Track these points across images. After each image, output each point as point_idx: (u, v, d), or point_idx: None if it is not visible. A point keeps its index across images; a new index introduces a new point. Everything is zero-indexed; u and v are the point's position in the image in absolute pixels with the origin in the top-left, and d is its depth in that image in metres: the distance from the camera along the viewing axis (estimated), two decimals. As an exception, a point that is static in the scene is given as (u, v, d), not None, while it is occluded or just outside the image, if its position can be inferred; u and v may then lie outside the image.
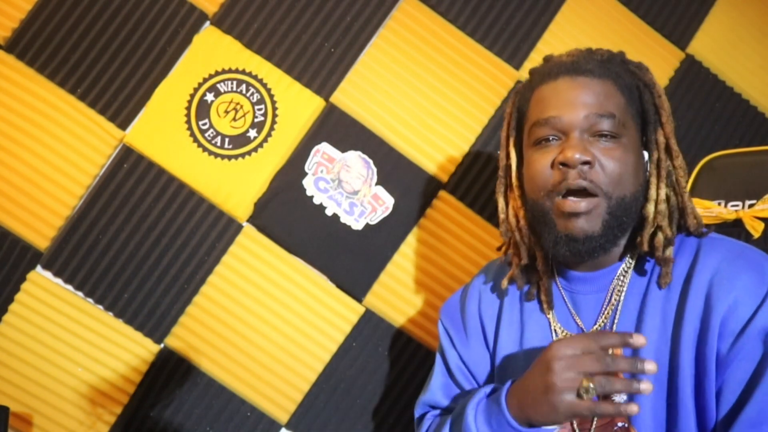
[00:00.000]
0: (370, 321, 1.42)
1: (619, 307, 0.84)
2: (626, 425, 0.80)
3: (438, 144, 1.45)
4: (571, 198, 0.80)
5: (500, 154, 0.96)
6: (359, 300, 1.42)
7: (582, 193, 0.80)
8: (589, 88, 0.81)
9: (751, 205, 1.23)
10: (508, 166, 0.94)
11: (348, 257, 1.41)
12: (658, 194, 0.82)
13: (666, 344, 0.79)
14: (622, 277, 0.85)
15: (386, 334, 1.42)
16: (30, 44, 1.36)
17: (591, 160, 0.78)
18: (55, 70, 1.36)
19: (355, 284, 1.41)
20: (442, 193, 1.44)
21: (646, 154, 0.86)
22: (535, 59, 1.47)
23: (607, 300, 0.86)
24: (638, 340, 0.69)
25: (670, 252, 0.81)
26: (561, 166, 0.80)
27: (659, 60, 1.50)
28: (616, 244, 0.84)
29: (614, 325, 0.83)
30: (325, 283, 1.41)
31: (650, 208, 0.82)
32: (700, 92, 1.52)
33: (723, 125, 1.52)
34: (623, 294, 0.84)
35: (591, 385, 0.68)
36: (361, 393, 1.41)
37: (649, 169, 0.84)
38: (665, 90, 1.49)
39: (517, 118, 0.92)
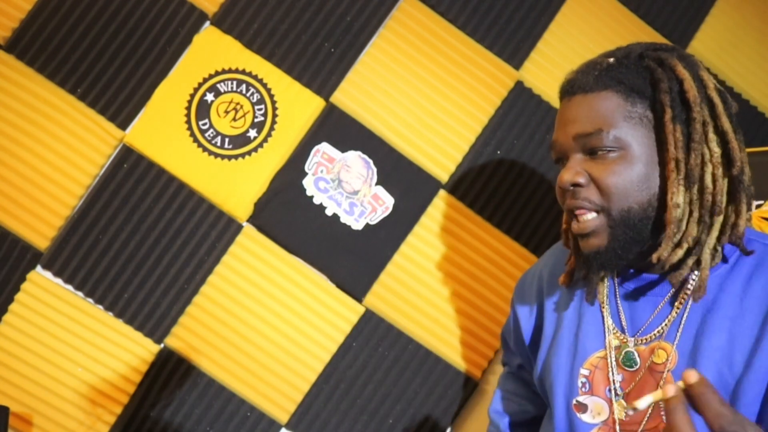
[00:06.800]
0: (370, 321, 1.42)
1: (684, 317, 0.80)
2: None
3: (438, 144, 1.45)
4: (576, 217, 0.82)
5: None
6: (359, 300, 1.42)
7: (584, 210, 0.80)
8: (578, 108, 0.80)
9: (758, 206, 1.23)
10: None
11: (348, 257, 1.41)
12: (672, 200, 0.76)
13: (730, 366, 0.75)
14: (687, 290, 0.80)
15: (386, 334, 1.42)
16: (30, 44, 1.36)
17: (581, 181, 0.79)
18: (55, 70, 1.36)
19: (355, 284, 1.42)
20: (442, 193, 1.44)
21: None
22: (535, 59, 1.47)
23: (660, 308, 0.82)
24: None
25: (705, 271, 0.76)
26: (561, 190, 0.83)
27: (659, 60, 1.50)
28: (632, 253, 0.81)
29: (662, 336, 0.80)
30: (325, 283, 1.41)
31: (668, 216, 0.76)
32: (700, 92, 1.52)
33: (723, 125, 1.52)
34: (688, 307, 0.79)
35: None
36: (361, 393, 1.41)
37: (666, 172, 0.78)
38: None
39: None
